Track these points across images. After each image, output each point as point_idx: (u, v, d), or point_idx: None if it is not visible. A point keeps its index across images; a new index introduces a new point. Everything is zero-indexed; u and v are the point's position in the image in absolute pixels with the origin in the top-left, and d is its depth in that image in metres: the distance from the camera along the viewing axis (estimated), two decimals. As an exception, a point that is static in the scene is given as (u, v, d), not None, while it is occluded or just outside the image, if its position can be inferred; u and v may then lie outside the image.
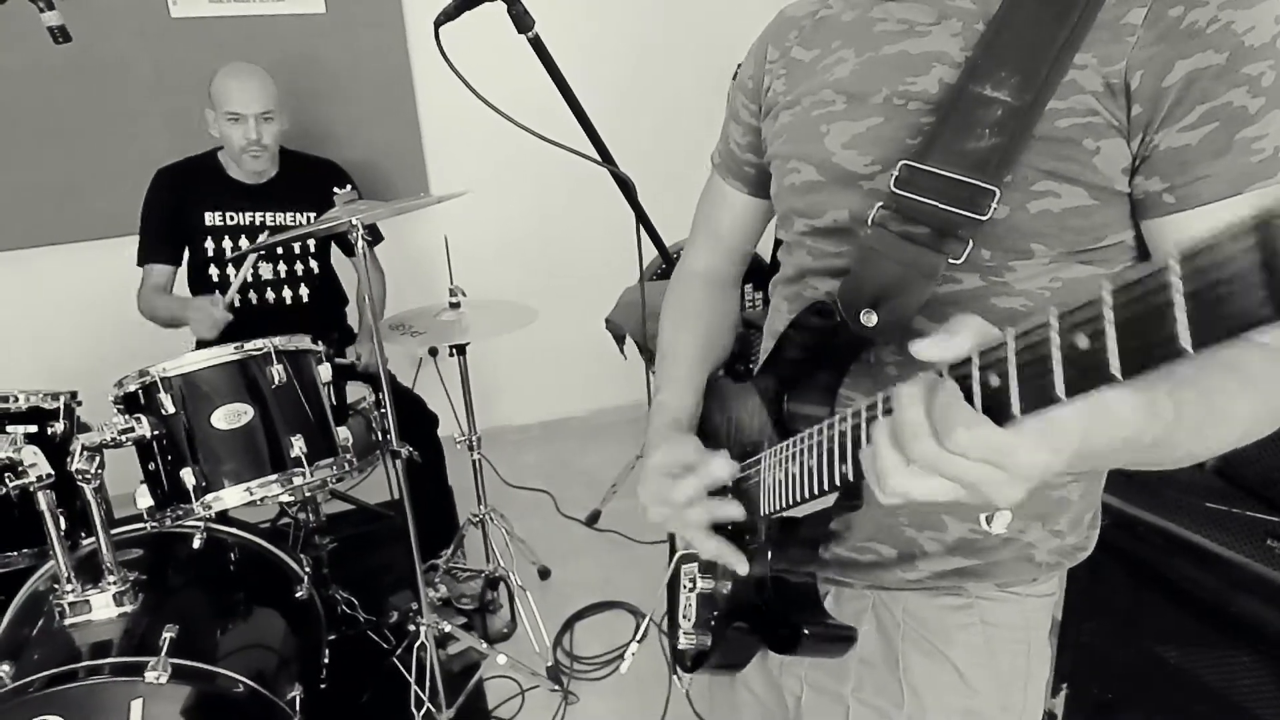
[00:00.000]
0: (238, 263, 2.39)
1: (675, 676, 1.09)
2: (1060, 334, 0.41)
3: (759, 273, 2.84)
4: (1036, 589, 0.85)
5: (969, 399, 0.48)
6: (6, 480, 1.46)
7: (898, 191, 0.71)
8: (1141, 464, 0.62)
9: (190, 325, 2.23)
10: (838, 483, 0.64)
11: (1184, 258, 0.35)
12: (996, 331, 0.49)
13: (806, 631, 0.74)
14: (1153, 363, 0.37)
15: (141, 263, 2.38)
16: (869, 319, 0.72)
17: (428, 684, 1.94)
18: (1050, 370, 0.42)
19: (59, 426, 1.72)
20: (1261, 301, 0.32)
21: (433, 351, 2.95)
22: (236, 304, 2.29)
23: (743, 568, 0.80)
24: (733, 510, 0.80)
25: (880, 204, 0.73)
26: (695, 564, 0.97)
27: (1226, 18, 0.60)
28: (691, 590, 0.97)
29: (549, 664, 2.16)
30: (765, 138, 0.92)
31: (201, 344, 2.40)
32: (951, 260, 0.69)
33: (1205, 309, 0.34)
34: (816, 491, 0.67)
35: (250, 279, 2.41)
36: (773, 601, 0.77)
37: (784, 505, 0.73)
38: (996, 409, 0.46)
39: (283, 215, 2.42)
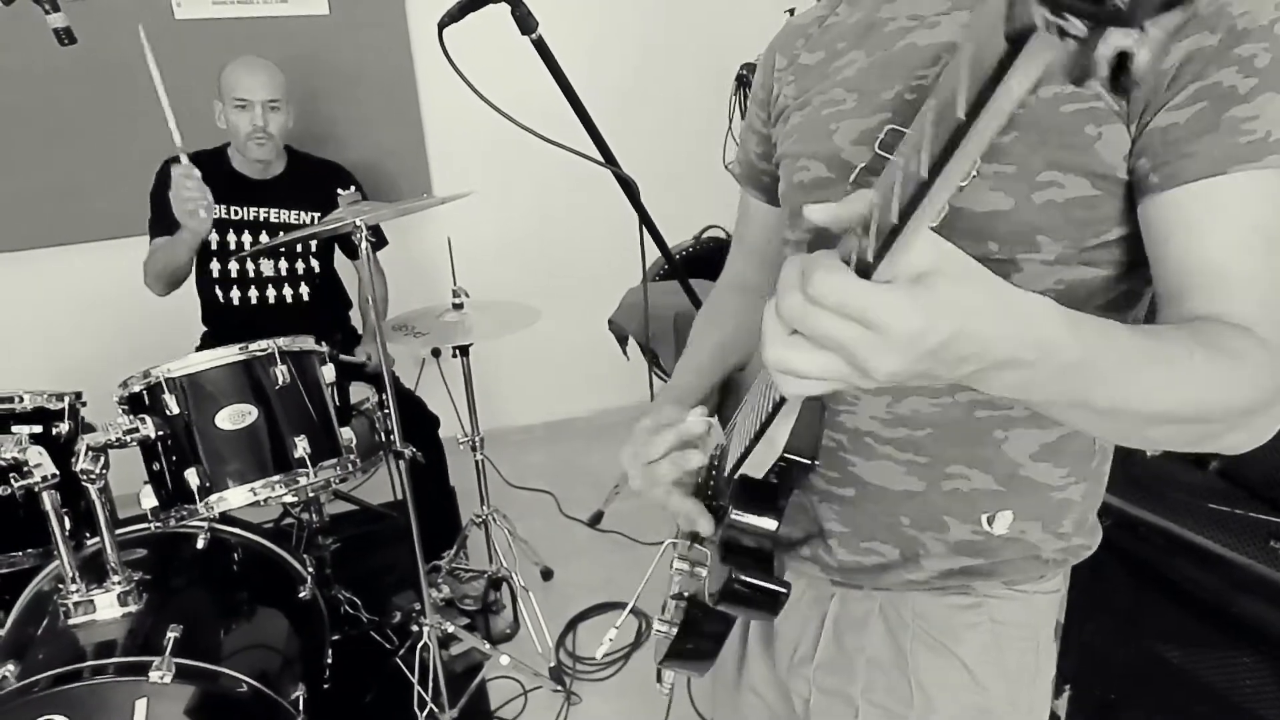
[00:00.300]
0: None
1: (658, 682, 1.09)
2: (896, 169, 0.41)
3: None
4: (1044, 586, 0.86)
5: (846, 263, 0.46)
6: (11, 480, 1.47)
7: (880, 153, 0.71)
8: (1073, 399, 0.55)
9: (180, 211, 2.05)
10: (770, 408, 0.64)
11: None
12: None
13: (739, 577, 0.72)
14: (942, 139, 0.36)
15: (152, 235, 2.36)
16: None
17: (431, 684, 1.94)
18: (891, 205, 0.41)
19: (64, 427, 1.73)
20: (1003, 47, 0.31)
21: (435, 352, 2.96)
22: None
23: (706, 526, 0.80)
24: (695, 459, 0.80)
25: (862, 165, 0.73)
26: (684, 564, 0.97)
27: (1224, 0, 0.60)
28: (675, 587, 0.97)
29: (551, 665, 2.16)
30: (776, 142, 0.92)
31: (206, 344, 2.42)
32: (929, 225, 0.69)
33: (975, 76, 0.33)
34: (759, 427, 0.67)
35: (252, 274, 2.42)
36: (723, 560, 0.76)
37: (740, 454, 0.73)
38: (862, 266, 0.45)
39: (286, 213, 2.43)
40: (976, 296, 0.47)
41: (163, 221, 2.35)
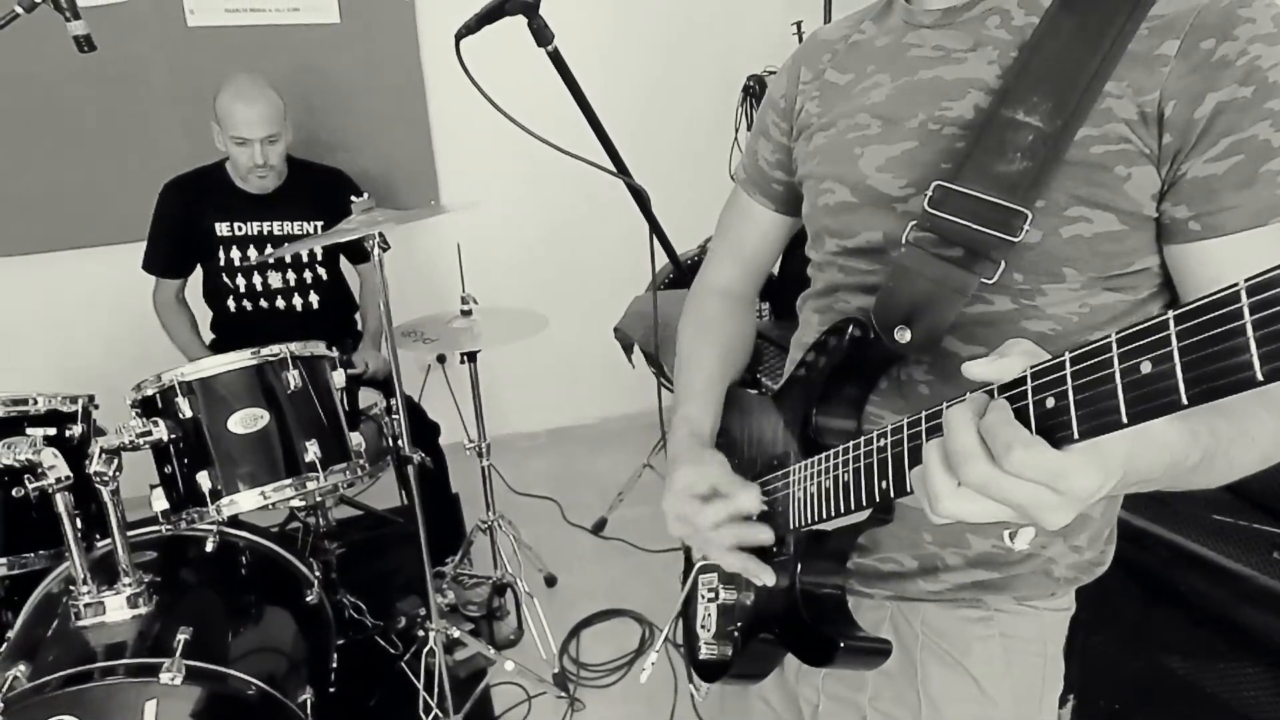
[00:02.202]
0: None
1: (692, 685, 1.10)
2: (1122, 357, 0.42)
3: (766, 284, 2.85)
4: (1054, 603, 0.87)
5: (1023, 420, 0.48)
6: (26, 482, 1.48)
7: (931, 211, 0.72)
8: (1173, 488, 0.63)
9: None
10: (876, 498, 0.65)
11: (1252, 287, 0.36)
12: (1045, 353, 0.49)
13: (842, 645, 0.74)
14: (1222, 392, 0.37)
15: (148, 269, 2.41)
16: (903, 335, 0.73)
17: (436, 690, 1.95)
18: (1114, 394, 0.42)
19: (77, 429, 1.73)
20: None
21: (441, 359, 2.97)
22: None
23: (769, 578, 0.82)
24: (763, 535, 0.82)
25: (914, 223, 0.74)
26: (714, 574, 0.98)
27: (1255, 52, 0.62)
28: (711, 601, 0.98)
29: (555, 671, 2.17)
30: (797, 158, 0.93)
31: (214, 350, 2.43)
32: (984, 280, 0.70)
33: (1277, 339, 0.34)
34: (853, 506, 0.68)
35: (260, 288, 2.44)
36: (803, 615, 0.78)
37: (817, 519, 0.74)
38: (1052, 431, 0.47)
39: (290, 224, 2.43)
40: (1130, 442, 0.48)
41: (164, 260, 2.41)
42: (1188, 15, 0.65)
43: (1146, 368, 0.40)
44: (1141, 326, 0.41)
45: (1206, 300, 0.38)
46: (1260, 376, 0.35)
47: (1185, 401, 0.39)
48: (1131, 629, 1.43)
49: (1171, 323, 0.39)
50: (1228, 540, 1.27)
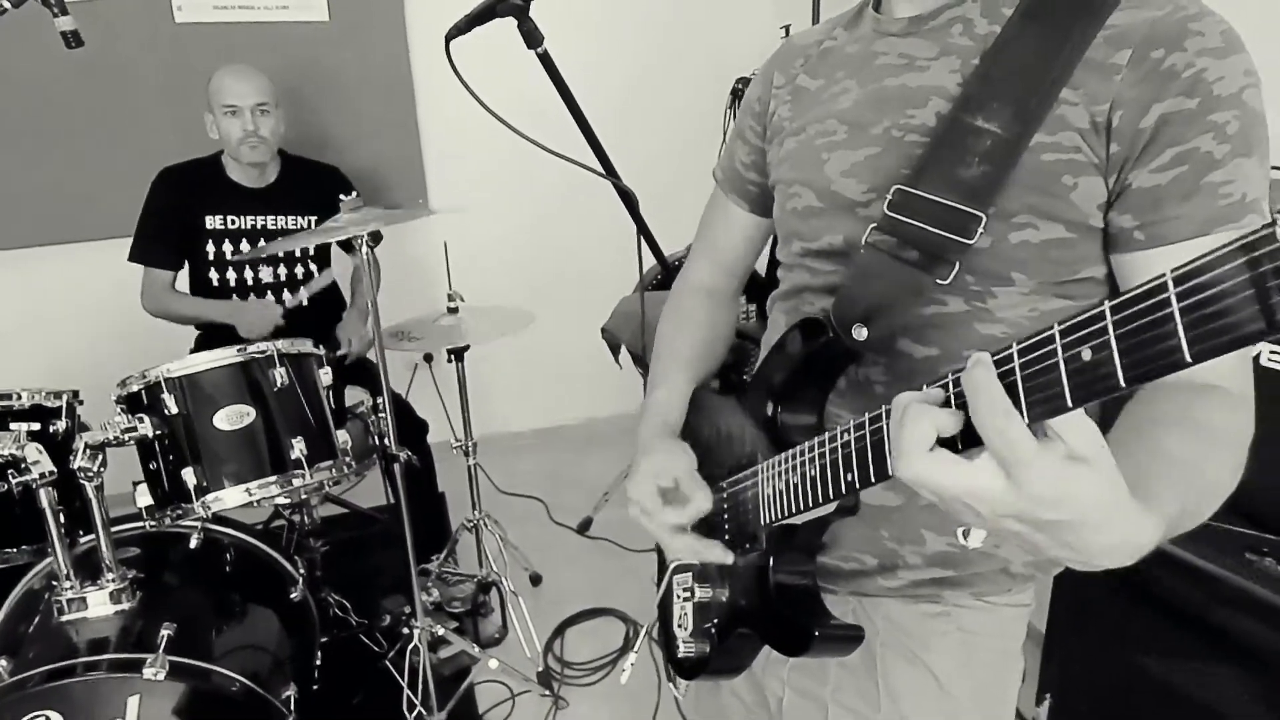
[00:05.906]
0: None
1: (672, 684, 1.11)
2: (1065, 346, 0.44)
3: (752, 285, 2.86)
4: (1012, 599, 0.88)
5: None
6: (9, 477, 1.47)
7: (891, 214, 0.74)
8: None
9: (241, 329, 2.29)
10: (843, 491, 0.66)
11: (1179, 277, 0.38)
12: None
13: (816, 633, 0.76)
14: (1156, 373, 0.40)
15: (138, 260, 2.39)
16: (859, 333, 0.75)
17: (420, 687, 1.95)
18: (1060, 381, 0.45)
19: (61, 425, 1.73)
20: (1253, 317, 0.35)
21: (428, 357, 2.97)
22: (305, 304, 2.39)
23: (727, 558, 0.84)
24: (716, 554, 0.84)
25: (874, 225, 0.76)
26: (689, 573, 0.99)
27: (1201, 65, 0.64)
28: (687, 599, 0.99)
29: (540, 669, 2.18)
30: (770, 161, 0.95)
31: (200, 346, 2.43)
32: (939, 281, 0.72)
33: (1203, 324, 0.37)
34: (820, 500, 0.70)
35: (250, 283, 2.43)
36: (778, 606, 0.80)
37: (786, 514, 0.76)
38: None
39: (284, 219, 2.44)
40: (1104, 492, 0.49)
41: (157, 249, 2.39)
42: (1142, 26, 0.66)
43: (1087, 354, 0.43)
44: (1081, 317, 0.43)
45: (1138, 290, 0.40)
46: (1189, 358, 0.38)
47: (1123, 384, 0.41)
48: (1108, 629, 1.45)
49: (1108, 312, 0.42)
50: (1202, 542, 1.29)
